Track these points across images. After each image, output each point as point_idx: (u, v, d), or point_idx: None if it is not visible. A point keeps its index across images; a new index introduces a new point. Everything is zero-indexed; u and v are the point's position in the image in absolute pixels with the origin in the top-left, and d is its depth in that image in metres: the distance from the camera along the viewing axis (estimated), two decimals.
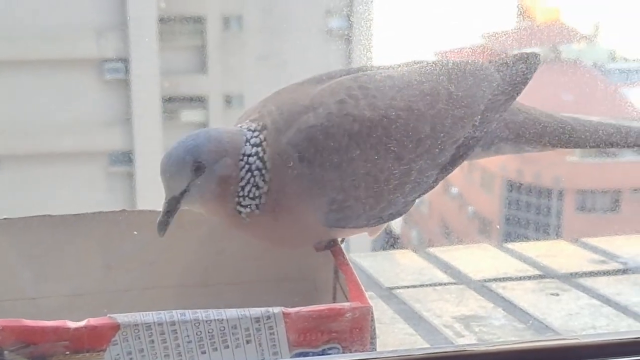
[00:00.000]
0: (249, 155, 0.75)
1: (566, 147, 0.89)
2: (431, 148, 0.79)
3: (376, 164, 0.76)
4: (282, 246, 0.81)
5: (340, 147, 0.75)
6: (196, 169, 0.74)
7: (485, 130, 0.83)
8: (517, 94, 0.86)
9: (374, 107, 0.77)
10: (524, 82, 0.86)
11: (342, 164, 0.75)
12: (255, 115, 0.78)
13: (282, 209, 0.76)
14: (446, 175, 0.82)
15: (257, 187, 0.75)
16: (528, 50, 0.89)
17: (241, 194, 0.75)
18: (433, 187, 0.82)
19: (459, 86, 0.82)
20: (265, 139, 0.75)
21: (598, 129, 0.89)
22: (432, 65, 0.84)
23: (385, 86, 0.79)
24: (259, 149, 0.75)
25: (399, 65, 0.86)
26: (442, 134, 0.79)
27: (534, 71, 0.87)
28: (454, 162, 0.81)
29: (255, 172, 0.75)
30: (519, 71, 0.86)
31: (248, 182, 0.75)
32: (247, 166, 0.75)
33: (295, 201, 0.75)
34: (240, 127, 0.77)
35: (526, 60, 0.87)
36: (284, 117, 0.76)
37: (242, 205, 0.76)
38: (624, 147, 0.91)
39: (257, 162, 0.75)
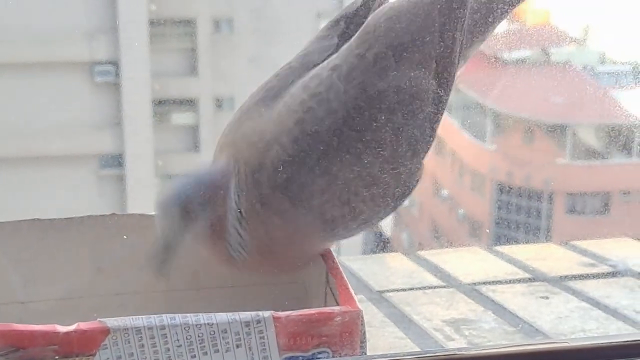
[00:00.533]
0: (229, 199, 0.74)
1: None
2: (408, 113, 0.75)
3: (362, 165, 0.74)
4: (284, 270, 0.81)
5: (320, 169, 0.73)
6: (185, 217, 0.73)
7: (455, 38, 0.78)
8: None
9: (333, 111, 0.73)
10: None
11: (331, 182, 0.73)
12: (226, 151, 0.76)
13: (270, 250, 0.75)
14: (439, 123, 0.78)
15: (239, 234, 0.74)
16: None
17: (229, 239, 0.74)
18: (431, 141, 0.78)
19: (405, 38, 0.76)
20: (238, 183, 0.73)
21: None
22: (370, 27, 0.77)
23: (335, 81, 0.74)
24: (235, 194, 0.73)
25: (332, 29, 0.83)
26: (410, 92, 0.75)
27: None
28: (442, 102, 0.78)
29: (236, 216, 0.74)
30: None
31: (233, 226, 0.74)
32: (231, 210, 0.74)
33: (286, 240, 0.74)
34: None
35: None
36: (253, 156, 0.73)
37: (232, 248, 0.75)
38: None
39: (233, 204, 0.73)
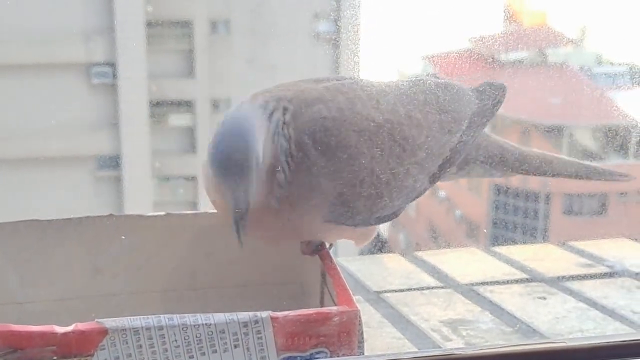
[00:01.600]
0: (277, 135, 0.73)
1: (525, 175, 0.95)
2: (426, 156, 0.81)
3: (380, 164, 0.78)
4: (277, 239, 0.80)
5: (349, 142, 0.76)
6: (252, 173, 0.71)
7: (467, 144, 0.85)
8: (492, 115, 0.90)
9: (380, 110, 0.78)
10: (497, 105, 0.90)
11: (350, 159, 0.76)
12: (269, 95, 0.77)
13: (290, 198, 0.75)
14: (431, 186, 0.84)
15: (285, 171, 0.74)
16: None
17: (278, 177, 0.74)
18: (420, 195, 0.83)
19: (447, 101, 0.84)
20: (290, 120, 0.75)
21: (558, 167, 0.96)
22: (420, 82, 0.86)
23: (386, 93, 0.81)
24: (285, 130, 0.74)
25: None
26: (435, 144, 0.81)
27: (504, 97, 0.91)
28: (439, 173, 0.84)
29: (284, 154, 0.73)
30: (492, 95, 0.90)
31: (282, 164, 0.74)
32: (279, 147, 0.73)
33: (302, 191, 0.75)
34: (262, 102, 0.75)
35: (495, 88, 0.91)
36: (295, 106, 0.76)
37: (279, 187, 0.74)
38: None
39: (284, 142, 0.73)
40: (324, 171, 0.75)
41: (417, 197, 0.83)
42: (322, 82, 0.81)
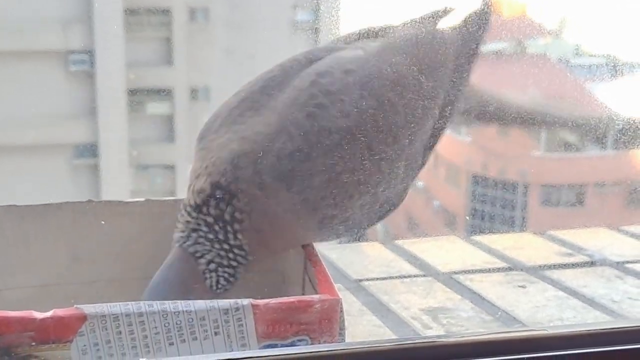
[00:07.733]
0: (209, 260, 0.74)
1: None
2: (411, 136, 0.78)
3: (364, 170, 0.75)
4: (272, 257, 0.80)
5: (323, 165, 0.73)
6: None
7: (459, 95, 0.83)
8: (478, 50, 0.87)
9: (346, 113, 0.74)
10: (483, 36, 0.88)
11: (330, 181, 0.73)
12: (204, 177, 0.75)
13: (270, 238, 0.75)
14: (431, 152, 0.82)
15: (232, 267, 0.75)
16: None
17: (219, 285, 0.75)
18: (423, 167, 0.82)
19: (424, 62, 0.81)
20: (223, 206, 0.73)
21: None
22: (397, 42, 0.82)
23: (350, 84, 0.76)
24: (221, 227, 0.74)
25: (360, 37, 0.85)
26: (417, 118, 0.79)
27: (488, 23, 0.87)
28: (437, 135, 0.81)
29: (225, 262, 0.74)
30: (476, 27, 0.87)
31: (219, 277, 0.75)
32: (210, 271, 0.75)
33: (285, 226, 0.74)
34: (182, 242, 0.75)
35: (479, 15, 0.87)
36: (257, 144, 0.73)
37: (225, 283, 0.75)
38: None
39: (223, 252, 0.74)
40: (302, 205, 0.73)
41: (420, 170, 0.81)
42: (280, 84, 0.77)
